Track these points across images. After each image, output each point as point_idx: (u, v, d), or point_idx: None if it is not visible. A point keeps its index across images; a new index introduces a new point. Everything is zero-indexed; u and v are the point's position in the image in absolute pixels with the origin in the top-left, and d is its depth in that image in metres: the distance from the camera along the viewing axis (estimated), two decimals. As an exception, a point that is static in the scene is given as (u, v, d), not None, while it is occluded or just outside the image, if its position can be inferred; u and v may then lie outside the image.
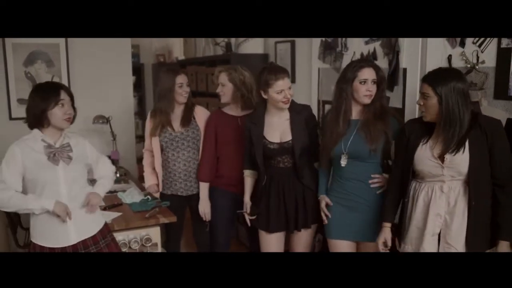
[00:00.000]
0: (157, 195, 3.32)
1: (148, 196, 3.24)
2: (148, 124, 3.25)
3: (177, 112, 3.18)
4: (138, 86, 6.74)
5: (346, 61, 3.33)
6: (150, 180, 3.33)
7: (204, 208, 3.11)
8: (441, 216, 2.18)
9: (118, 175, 3.72)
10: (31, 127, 2.35)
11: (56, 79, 4.17)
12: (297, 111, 2.73)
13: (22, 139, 2.35)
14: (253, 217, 2.85)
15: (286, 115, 2.72)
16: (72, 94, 2.38)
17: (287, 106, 2.67)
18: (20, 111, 4.10)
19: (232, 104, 3.10)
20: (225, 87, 3.05)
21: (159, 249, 3.01)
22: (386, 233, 2.40)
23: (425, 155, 2.21)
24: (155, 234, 2.97)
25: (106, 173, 2.61)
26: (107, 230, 2.52)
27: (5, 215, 3.36)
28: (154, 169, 3.31)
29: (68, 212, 2.30)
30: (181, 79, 3.10)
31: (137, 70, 6.63)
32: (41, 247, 2.34)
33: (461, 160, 2.11)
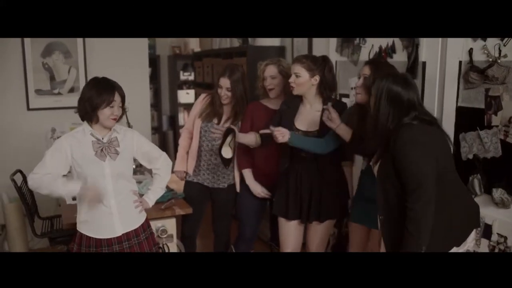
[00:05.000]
0: (182, 183, 3.31)
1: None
2: (198, 105, 3.21)
3: (226, 109, 3.13)
4: (154, 78, 6.74)
5: (363, 54, 3.29)
6: (179, 166, 3.27)
7: (257, 189, 3.02)
8: None
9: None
10: (82, 119, 2.39)
11: (73, 70, 4.21)
12: (331, 105, 2.70)
13: (71, 133, 2.40)
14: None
15: (319, 106, 2.73)
16: (124, 95, 2.39)
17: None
18: (37, 102, 4.15)
19: (274, 98, 3.02)
20: (275, 80, 2.97)
21: (175, 241, 3.03)
22: None
23: None
24: (170, 225, 2.99)
25: (161, 169, 2.58)
26: (147, 224, 2.56)
27: (23, 205, 3.40)
28: (187, 153, 3.25)
29: (100, 194, 2.32)
30: (222, 81, 3.05)
31: (153, 61, 6.63)
32: (88, 238, 2.39)
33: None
